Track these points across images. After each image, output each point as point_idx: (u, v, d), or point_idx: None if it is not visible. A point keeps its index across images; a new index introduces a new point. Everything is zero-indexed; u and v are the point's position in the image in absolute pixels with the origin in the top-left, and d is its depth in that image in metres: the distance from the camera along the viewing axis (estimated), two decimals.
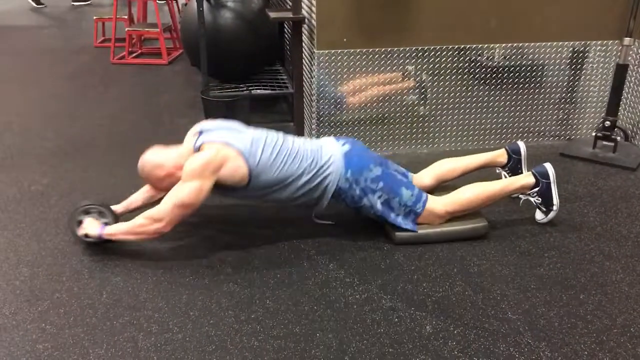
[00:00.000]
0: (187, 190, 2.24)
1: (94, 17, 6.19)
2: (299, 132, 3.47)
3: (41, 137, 3.69)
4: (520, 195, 2.62)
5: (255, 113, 3.61)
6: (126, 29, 5.60)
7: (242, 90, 3.68)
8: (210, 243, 2.49)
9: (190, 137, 2.41)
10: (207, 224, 2.63)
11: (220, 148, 2.27)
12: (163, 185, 2.42)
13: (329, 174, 2.38)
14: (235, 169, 2.27)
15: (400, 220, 2.44)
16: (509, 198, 2.68)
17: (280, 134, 2.48)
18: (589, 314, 2.04)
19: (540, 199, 2.58)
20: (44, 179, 3.08)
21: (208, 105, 3.52)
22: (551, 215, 2.58)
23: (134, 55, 5.71)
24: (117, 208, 2.53)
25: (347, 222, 2.63)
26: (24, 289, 2.19)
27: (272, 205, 2.80)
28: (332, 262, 2.35)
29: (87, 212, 2.42)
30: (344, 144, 2.47)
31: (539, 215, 2.62)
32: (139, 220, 2.30)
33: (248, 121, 3.56)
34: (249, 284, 2.21)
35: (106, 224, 2.39)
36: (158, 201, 2.36)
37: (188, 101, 4.33)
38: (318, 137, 3.29)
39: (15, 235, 2.55)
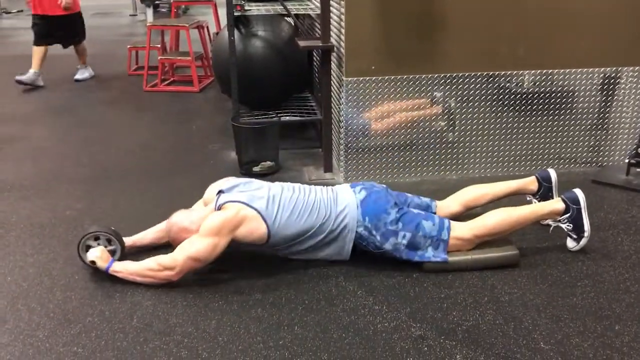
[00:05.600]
0: (203, 246, 2.29)
1: (128, 46, 6.36)
2: (327, 158, 3.49)
3: (76, 162, 3.78)
4: (551, 222, 2.59)
5: (285, 139, 3.64)
6: (159, 58, 5.74)
7: (272, 117, 3.73)
8: (240, 268, 2.51)
9: (212, 197, 2.49)
10: (236, 250, 2.65)
11: (241, 208, 2.33)
12: None
13: (345, 225, 2.41)
14: (253, 229, 2.33)
15: (429, 255, 2.42)
16: (540, 225, 2.65)
17: (296, 186, 2.53)
18: (625, 346, 1.99)
19: (571, 225, 2.54)
20: (78, 204, 3.15)
21: (238, 131, 3.57)
22: (582, 242, 2.54)
23: (166, 82, 5.84)
24: (127, 241, 2.57)
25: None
26: (57, 312, 2.23)
27: None
28: (361, 289, 2.34)
29: (96, 238, 2.46)
30: (360, 191, 2.49)
31: (570, 243, 2.58)
32: (150, 263, 2.35)
33: (277, 147, 3.61)
34: (277, 310, 2.22)
35: (113, 252, 2.46)
36: (165, 244, 2.51)
37: (219, 128, 4.40)
38: (346, 164, 3.31)
39: (49, 260, 2.60)
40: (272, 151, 3.59)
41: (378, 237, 2.40)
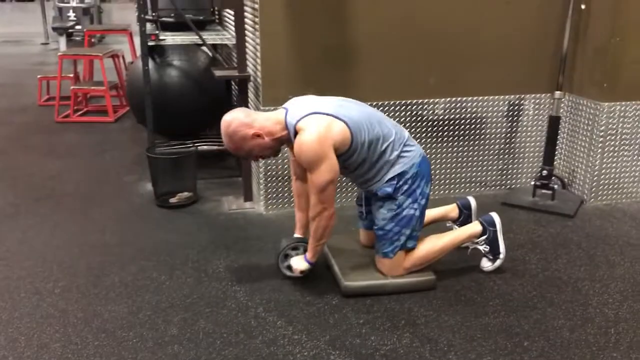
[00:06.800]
0: (321, 176, 2.30)
1: (38, 76, 6.12)
2: (247, 186, 3.47)
3: None
4: (469, 244, 2.68)
5: (203, 169, 3.60)
6: (71, 87, 5.55)
7: (189, 147, 3.67)
8: (154, 304, 2.42)
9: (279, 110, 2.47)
10: (150, 285, 2.57)
11: (318, 120, 2.31)
12: (246, 147, 2.42)
13: (406, 156, 2.44)
14: (340, 131, 2.31)
15: (402, 238, 2.46)
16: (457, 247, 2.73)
17: (360, 103, 2.56)
18: None
19: (488, 247, 2.64)
20: None
21: (153, 162, 3.49)
22: (497, 263, 2.64)
23: (79, 113, 5.64)
24: (298, 233, 2.67)
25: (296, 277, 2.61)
26: None
27: (216, 263, 2.76)
28: (281, 319, 2.32)
29: (295, 248, 2.61)
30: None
31: (485, 264, 2.68)
32: (311, 225, 2.44)
33: (195, 177, 3.55)
34: (194, 345, 2.16)
35: (304, 250, 2.57)
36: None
37: (135, 158, 4.29)
38: (266, 192, 3.31)
39: None
40: (189, 182, 3.53)
41: (405, 187, 2.43)
